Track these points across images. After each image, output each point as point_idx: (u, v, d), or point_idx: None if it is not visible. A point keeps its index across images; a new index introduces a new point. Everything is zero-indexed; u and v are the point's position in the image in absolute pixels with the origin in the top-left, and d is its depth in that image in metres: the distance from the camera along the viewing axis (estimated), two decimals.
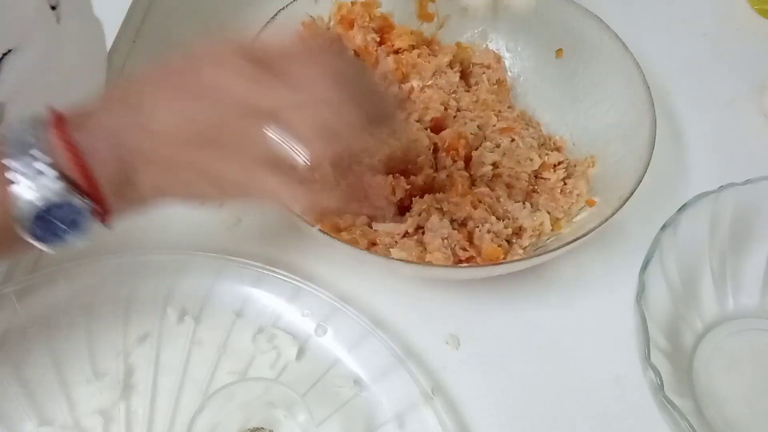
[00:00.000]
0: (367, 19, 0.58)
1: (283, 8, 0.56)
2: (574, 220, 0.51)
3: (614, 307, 0.49)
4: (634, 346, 0.44)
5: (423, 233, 0.48)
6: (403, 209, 0.50)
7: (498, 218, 0.49)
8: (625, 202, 0.47)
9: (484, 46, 0.62)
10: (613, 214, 0.46)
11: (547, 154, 0.54)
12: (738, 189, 0.48)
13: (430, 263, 0.46)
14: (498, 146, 0.53)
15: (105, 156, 0.33)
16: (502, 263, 0.47)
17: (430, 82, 0.57)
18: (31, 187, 0.32)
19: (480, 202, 0.50)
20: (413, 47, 0.58)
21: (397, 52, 0.59)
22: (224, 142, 0.34)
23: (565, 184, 0.53)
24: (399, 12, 0.60)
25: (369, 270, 0.50)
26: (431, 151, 0.52)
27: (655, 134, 0.50)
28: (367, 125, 0.35)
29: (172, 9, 0.68)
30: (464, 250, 0.47)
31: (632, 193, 0.47)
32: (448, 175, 0.51)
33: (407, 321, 0.49)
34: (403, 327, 0.48)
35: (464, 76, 0.60)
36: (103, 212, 0.34)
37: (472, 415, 0.45)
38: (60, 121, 0.33)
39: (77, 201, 0.33)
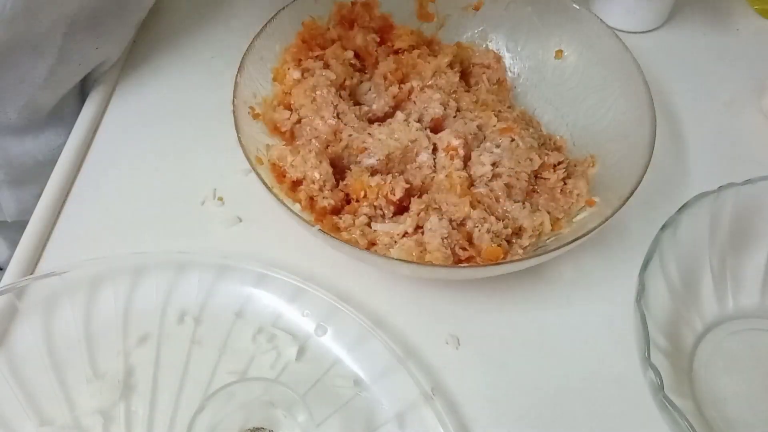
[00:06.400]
0: (367, 19, 0.58)
1: (283, 8, 0.56)
2: (574, 220, 0.51)
3: (614, 307, 0.49)
4: (634, 346, 0.44)
5: (422, 233, 0.48)
6: (401, 209, 0.50)
7: (497, 218, 0.49)
8: (625, 202, 0.47)
9: (484, 46, 0.62)
10: (613, 214, 0.46)
11: (547, 154, 0.54)
12: (738, 189, 0.48)
13: (429, 263, 0.46)
14: (498, 146, 0.53)
15: None
16: (502, 263, 0.47)
17: (430, 82, 0.57)
18: None
19: (479, 202, 0.50)
20: (413, 47, 0.58)
21: (397, 52, 0.59)
22: None
23: (565, 184, 0.53)
24: (399, 12, 0.60)
25: (369, 270, 0.50)
26: (431, 151, 0.52)
27: (655, 134, 0.50)
28: None
29: (172, 9, 0.68)
30: (464, 249, 0.47)
31: (632, 193, 0.47)
32: (447, 175, 0.51)
33: (407, 321, 0.49)
34: (403, 327, 0.48)
35: (464, 76, 0.60)
36: None
37: (472, 415, 0.45)
38: None
39: None
